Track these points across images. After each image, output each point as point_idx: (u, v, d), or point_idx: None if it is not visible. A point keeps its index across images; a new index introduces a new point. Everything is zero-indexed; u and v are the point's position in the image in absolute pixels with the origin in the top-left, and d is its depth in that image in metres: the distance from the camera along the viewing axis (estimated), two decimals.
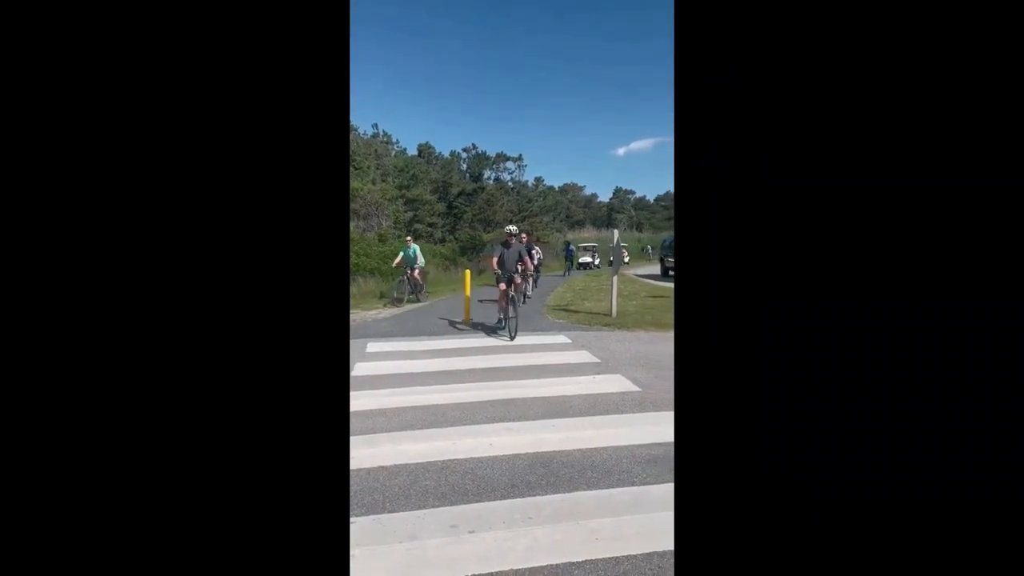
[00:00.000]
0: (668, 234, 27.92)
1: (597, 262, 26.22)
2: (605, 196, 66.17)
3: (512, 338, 6.34)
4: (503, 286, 6.90)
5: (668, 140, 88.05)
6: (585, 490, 2.52)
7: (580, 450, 3.00)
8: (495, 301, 9.39)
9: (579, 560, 1.94)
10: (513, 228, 7.48)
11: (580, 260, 24.84)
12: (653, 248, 34.02)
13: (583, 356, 5.45)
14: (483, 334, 6.84)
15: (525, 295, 10.12)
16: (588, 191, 64.28)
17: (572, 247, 23.35)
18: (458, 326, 6.94)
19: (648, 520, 2.23)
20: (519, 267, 7.00)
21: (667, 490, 2.52)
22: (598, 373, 4.75)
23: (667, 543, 2.04)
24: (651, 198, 67.52)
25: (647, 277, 16.41)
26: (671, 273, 15.81)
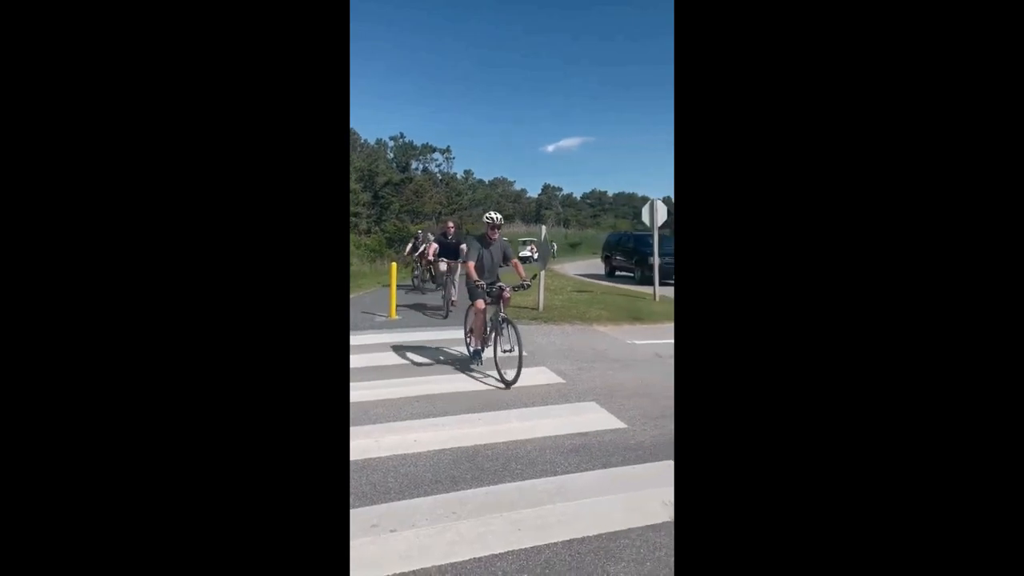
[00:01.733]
0: (602, 231, 28.35)
1: None
2: (534, 192, 67.15)
3: (508, 384, 4.14)
4: (481, 304, 4.48)
5: (592, 140, 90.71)
6: (509, 482, 2.56)
7: (505, 442, 3.04)
8: (434, 308, 8.16)
9: (502, 552, 1.97)
10: (496, 217, 4.70)
11: None
12: (570, 246, 34.44)
13: None
14: (453, 368, 4.70)
15: (452, 301, 7.85)
16: (518, 186, 64.96)
17: None
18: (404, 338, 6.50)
19: (569, 508, 2.29)
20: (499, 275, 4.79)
21: (589, 478, 2.61)
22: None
23: (587, 530, 2.11)
24: (578, 195, 69.48)
25: (590, 277, 15.28)
26: (618, 273, 15.25)
